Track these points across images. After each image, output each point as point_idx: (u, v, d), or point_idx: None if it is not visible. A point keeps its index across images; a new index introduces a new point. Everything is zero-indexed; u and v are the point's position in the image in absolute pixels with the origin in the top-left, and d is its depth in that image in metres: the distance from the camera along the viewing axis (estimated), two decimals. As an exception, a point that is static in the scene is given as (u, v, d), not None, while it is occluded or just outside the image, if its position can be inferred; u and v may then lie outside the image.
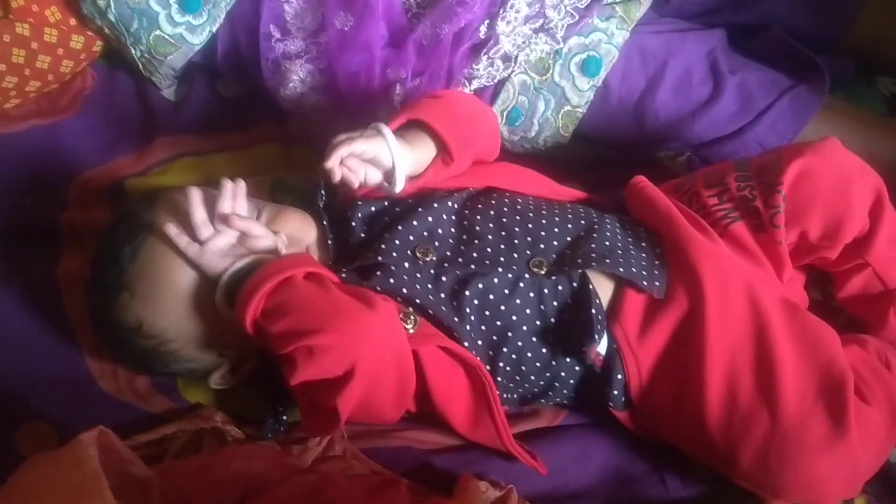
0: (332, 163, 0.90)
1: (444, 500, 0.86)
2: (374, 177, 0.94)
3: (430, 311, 0.90)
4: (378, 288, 0.90)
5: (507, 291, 0.91)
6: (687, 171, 1.12)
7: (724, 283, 0.90)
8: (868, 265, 0.96)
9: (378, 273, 0.91)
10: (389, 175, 0.93)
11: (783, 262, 0.95)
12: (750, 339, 0.89)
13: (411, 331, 0.87)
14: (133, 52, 1.19)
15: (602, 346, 0.91)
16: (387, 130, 0.92)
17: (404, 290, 0.90)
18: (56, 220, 1.12)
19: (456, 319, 0.91)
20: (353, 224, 0.96)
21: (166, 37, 1.17)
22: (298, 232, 0.95)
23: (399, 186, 0.94)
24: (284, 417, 0.95)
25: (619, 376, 0.92)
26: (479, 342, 0.91)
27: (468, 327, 0.91)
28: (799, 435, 0.85)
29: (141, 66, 1.21)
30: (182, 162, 1.19)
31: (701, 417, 0.88)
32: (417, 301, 0.90)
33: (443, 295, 0.91)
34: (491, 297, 0.91)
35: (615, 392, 0.92)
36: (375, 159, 0.92)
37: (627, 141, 1.18)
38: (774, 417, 0.85)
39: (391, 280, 0.91)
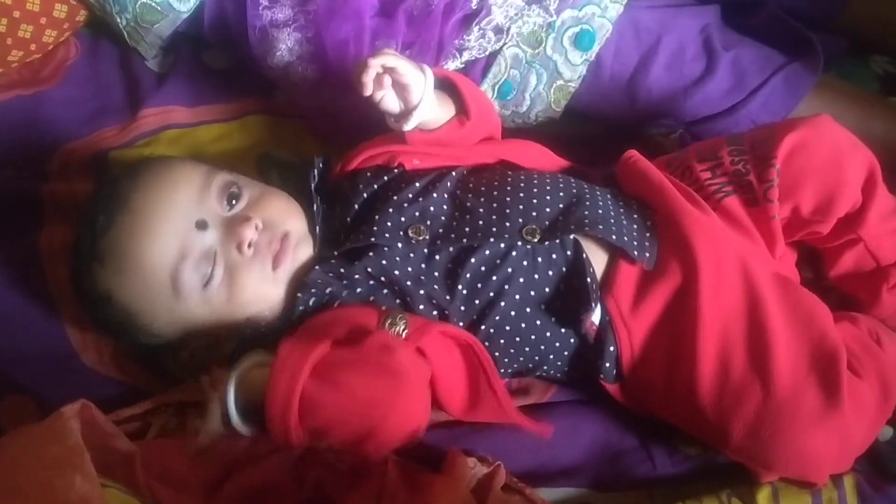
0: (374, 64, 0.90)
1: (431, 475, 0.86)
2: (392, 105, 0.95)
3: (422, 292, 0.90)
4: (370, 269, 0.90)
5: (499, 261, 0.90)
6: (679, 148, 1.11)
7: (717, 256, 0.90)
8: (860, 240, 0.96)
9: (370, 254, 0.91)
10: (406, 113, 0.95)
11: (775, 237, 0.95)
12: (743, 312, 0.88)
13: (403, 333, 0.86)
14: (118, 20, 1.17)
15: (596, 317, 0.90)
16: (428, 71, 0.94)
17: (396, 272, 0.90)
18: (38, 192, 1.10)
19: (448, 297, 0.90)
20: (348, 204, 0.95)
21: (153, 4, 1.15)
22: (277, 217, 0.93)
23: (411, 125, 0.95)
24: None
25: (612, 348, 0.91)
26: (473, 317, 0.91)
27: (460, 305, 0.90)
28: (792, 407, 0.85)
29: (126, 36, 1.19)
30: (167, 134, 1.18)
31: (693, 390, 0.88)
32: (408, 283, 0.90)
33: (436, 273, 0.91)
34: (483, 268, 0.90)
35: (607, 364, 0.91)
36: (407, 89, 0.93)
37: (620, 117, 1.17)
38: (767, 390, 0.85)
39: (383, 262, 0.90)
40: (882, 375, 0.90)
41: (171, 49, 1.24)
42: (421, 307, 0.90)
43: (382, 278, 0.91)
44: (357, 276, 0.91)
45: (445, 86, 0.99)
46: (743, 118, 1.11)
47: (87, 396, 0.82)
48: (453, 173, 0.98)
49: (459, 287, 0.90)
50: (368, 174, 0.98)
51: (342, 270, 0.92)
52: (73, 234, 0.96)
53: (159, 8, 1.15)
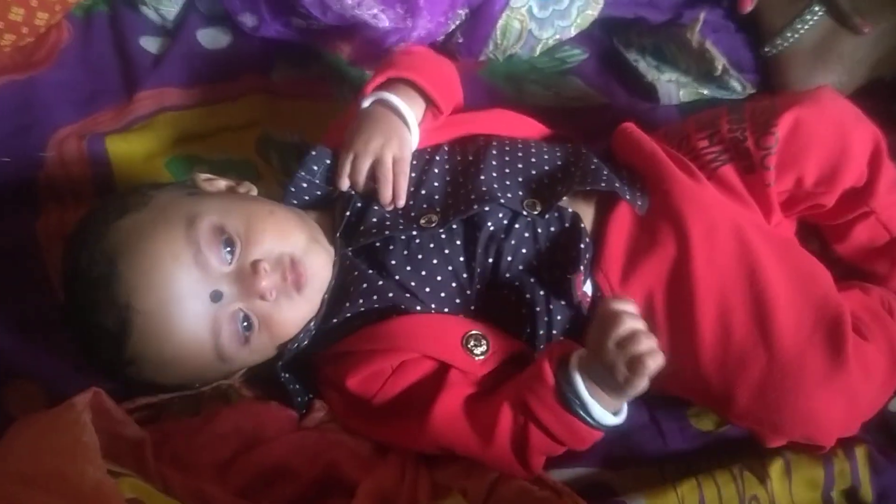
0: (387, 191, 0.92)
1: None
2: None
3: (439, 278, 0.90)
4: (408, 268, 0.90)
5: (503, 236, 0.91)
6: (703, 38, 1.15)
7: (709, 222, 0.90)
8: (872, 213, 0.96)
9: (392, 256, 0.90)
10: None
11: (771, 204, 0.95)
12: (740, 277, 0.88)
13: (481, 357, 0.87)
14: None
15: (588, 287, 0.90)
16: (410, 115, 0.95)
17: (428, 267, 0.90)
18: (34, 178, 1.09)
19: (466, 276, 0.90)
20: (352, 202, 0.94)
21: None
22: (275, 243, 0.88)
23: (415, 144, 0.96)
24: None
25: None
26: (484, 290, 0.91)
27: (477, 282, 0.90)
28: (796, 368, 0.85)
29: None
30: (163, 116, 1.16)
31: (695, 359, 0.88)
32: (438, 279, 0.90)
33: (462, 258, 0.91)
34: (490, 242, 0.90)
35: None
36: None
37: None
38: (771, 352, 0.85)
39: (405, 252, 0.90)
40: (892, 342, 0.90)
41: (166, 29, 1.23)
42: (442, 294, 0.90)
43: (408, 267, 0.90)
44: (380, 272, 0.90)
45: (405, 82, 0.98)
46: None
47: (92, 380, 0.82)
48: (437, 154, 0.98)
49: (474, 265, 0.90)
50: None
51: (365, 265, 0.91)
52: (79, 336, 0.90)
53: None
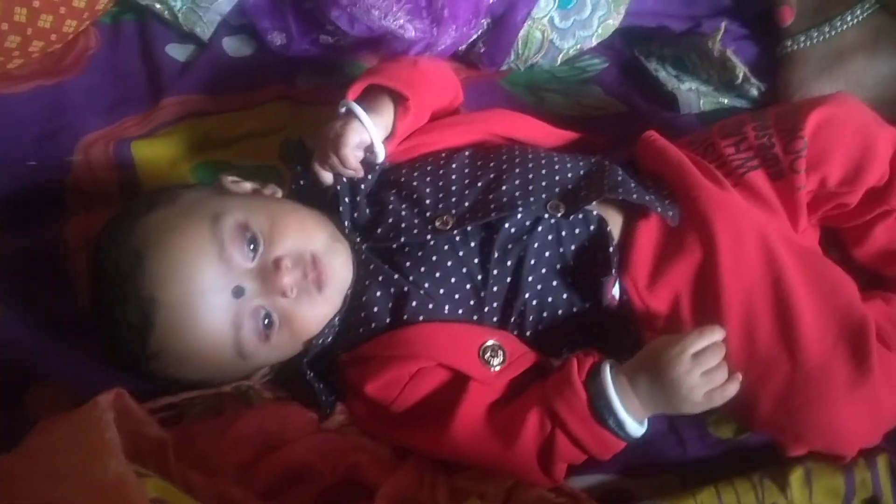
0: (341, 170, 0.94)
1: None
2: (358, 155, 0.94)
3: (453, 280, 0.90)
4: (422, 269, 0.90)
5: (525, 237, 0.91)
6: (724, 47, 1.16)
7: (736, 230, 0.90)
8: (893, 211, 0.96)
9: (407, 259, 0.91)
10: (369, 147, 0.95)
11: (799, 210, 0.95)
12: (766, 285, 0.89)
13: (498, 368, 0.87)
14: (172, 4, 1.17)
15: (616, 290, 0.91)
16: (356, 107, 0.94)
17: (442, 269, 0.90)
18: (62, 182, 1.10)
19: (481, 279, 0.90)
20: (358, 200, 0.95)
21: None
22: (297, 241, 0.89)
23: (381, 156, 0.96)
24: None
25: (631, 327, 0.91)
26: (506, 295, 0.91)
27: (493, 285, 0.90)
28: (820, 377, 0.85)
29: (180, 19, 1.20)
30: (189, 122, 1.17)
31: None
32: (453, 281, 0.90)
33: (476, 260, 0.91)
34: (510, 245, 0.91)
35: (629, 343, 0.91)
36: (359, 143, 0.93)
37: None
38: (795, 361, 0.86)
39: (419, 254, 0.90)
40: None
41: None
42: (457, 296, 0.90)
43: (423, 269, 0.91)
44: (395, 276, 0.91)
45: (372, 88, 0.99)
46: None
47: (116, 382, 0.82)
48: (455, 159, 0.98)
49: (489, 266, 0.90)
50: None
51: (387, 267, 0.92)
52: (105, 334, 0.91)
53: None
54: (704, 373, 0.82)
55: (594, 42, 1.23)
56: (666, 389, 0.82)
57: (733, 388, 0.83)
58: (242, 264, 0.87)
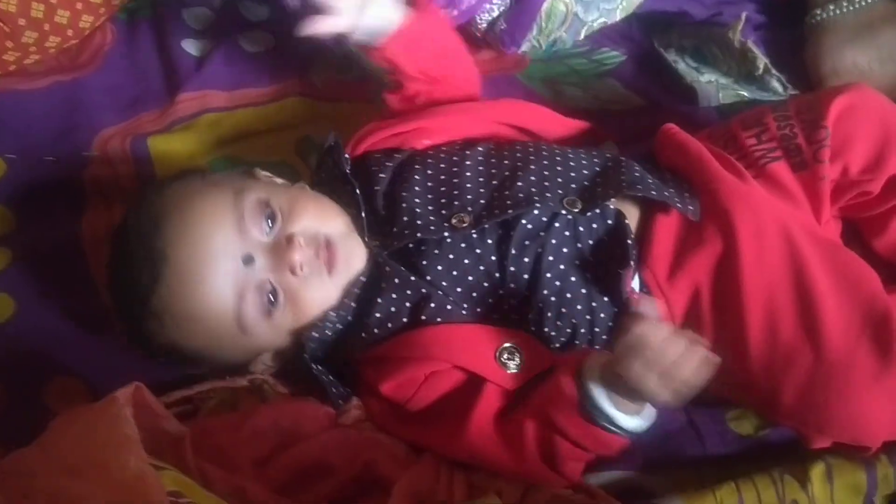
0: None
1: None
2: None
3: (485, 285, 0.90)
4: (439, 267, 0.90)
5: (542, 233, 0.90)
6: (745, 38, 1.15)
7: (757, 222, 0.90)
8: None
9: (423, 257, 0.90)
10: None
11: (822, 201, 0.94)
12: (788, 277, 0.88)
13: (515, 370, 0.87)
14: None
15: (636, 284, 0.90)
16: None
17: (460, 267, 0.90)
18: (79, 177, 1.11)
19: (499, 276, 0.90)
20: (369, 190, 0.95)
21: None
22: (315, 223, 0.91)
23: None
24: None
25: None
26: (525, 293, 0.90)
27: (511, 282, 0.90)
28: (844, 368, 0.85)
29: None
30: (205, 118, 1.17)
31: (741, 358, 0.87)
32: (470, 279, 0.90)
33: (494, 257, 0.90)
34: (527, 241, 0.90)
35: None
36: None
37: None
38: (818, 353, 0.85)
39: (436, 251, 0.90)
40: None
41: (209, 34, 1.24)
42: (474, 294, 0.90)
43: (440, 267, 0.90)
44: (412, 271, 0.90)
45: None
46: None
47: (134, 376, 0.82)
48: (470, 155, 0.97)
49: (507, 263, 0.90)
50: (379, 157, 0.98)
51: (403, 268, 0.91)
52: (113, 294, 0.95)
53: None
54: (662, 372, 0.77)
55: (618, 16, 1.22)
56: (632, 390, 0.80)
57: (700, 378, 0.77)
58: (258, 237, 0.89)
